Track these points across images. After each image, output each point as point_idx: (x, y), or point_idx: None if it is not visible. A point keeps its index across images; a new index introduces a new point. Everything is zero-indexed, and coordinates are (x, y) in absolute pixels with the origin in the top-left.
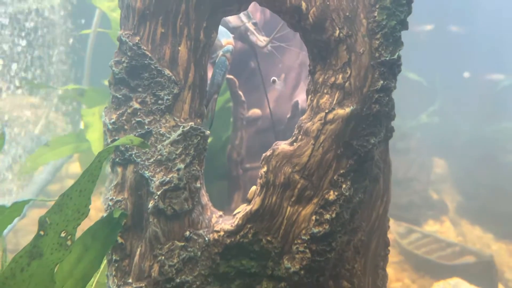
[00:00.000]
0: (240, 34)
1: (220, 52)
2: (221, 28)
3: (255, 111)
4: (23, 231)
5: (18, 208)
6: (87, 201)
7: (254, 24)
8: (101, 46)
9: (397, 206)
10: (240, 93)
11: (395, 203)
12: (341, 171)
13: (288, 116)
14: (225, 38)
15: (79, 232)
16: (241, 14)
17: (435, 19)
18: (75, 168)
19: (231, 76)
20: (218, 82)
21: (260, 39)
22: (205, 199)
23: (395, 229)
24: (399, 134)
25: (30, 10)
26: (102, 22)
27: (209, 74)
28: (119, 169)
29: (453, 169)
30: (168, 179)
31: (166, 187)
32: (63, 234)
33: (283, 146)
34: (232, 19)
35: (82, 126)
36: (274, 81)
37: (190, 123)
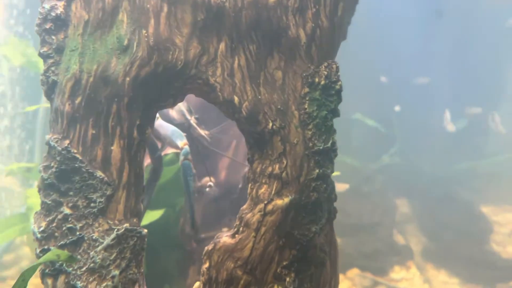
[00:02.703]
0: (183, 129)
1: (182, 157)
2: (174, 129)
3: (207, 180)
4: None
5: None
6: None
7: (197, 119)
8: None
9: (362, 256)
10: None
11: (361, 252)
12: (284, 263)
13: (239, 186)
14: (179, 140)
15: None
16: (185, 111)
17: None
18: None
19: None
20: (193, 189)
21: (202, 133)
22: None
23: (360, 281)
24: (363, 178)
25: None
26: None
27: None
28: (49, 281)
29: (416, 210)
30: None
31: None
32: None
33: (224, 239)
34: (176, 116)
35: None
36: (210, 186)
37: (125, 224)
